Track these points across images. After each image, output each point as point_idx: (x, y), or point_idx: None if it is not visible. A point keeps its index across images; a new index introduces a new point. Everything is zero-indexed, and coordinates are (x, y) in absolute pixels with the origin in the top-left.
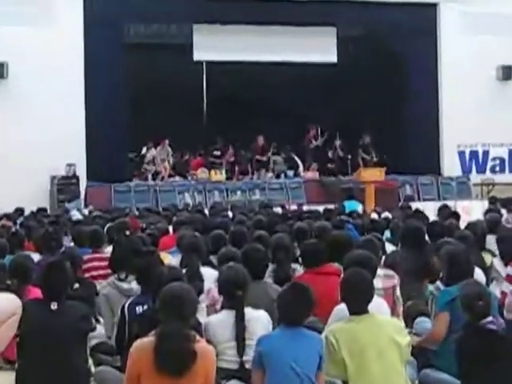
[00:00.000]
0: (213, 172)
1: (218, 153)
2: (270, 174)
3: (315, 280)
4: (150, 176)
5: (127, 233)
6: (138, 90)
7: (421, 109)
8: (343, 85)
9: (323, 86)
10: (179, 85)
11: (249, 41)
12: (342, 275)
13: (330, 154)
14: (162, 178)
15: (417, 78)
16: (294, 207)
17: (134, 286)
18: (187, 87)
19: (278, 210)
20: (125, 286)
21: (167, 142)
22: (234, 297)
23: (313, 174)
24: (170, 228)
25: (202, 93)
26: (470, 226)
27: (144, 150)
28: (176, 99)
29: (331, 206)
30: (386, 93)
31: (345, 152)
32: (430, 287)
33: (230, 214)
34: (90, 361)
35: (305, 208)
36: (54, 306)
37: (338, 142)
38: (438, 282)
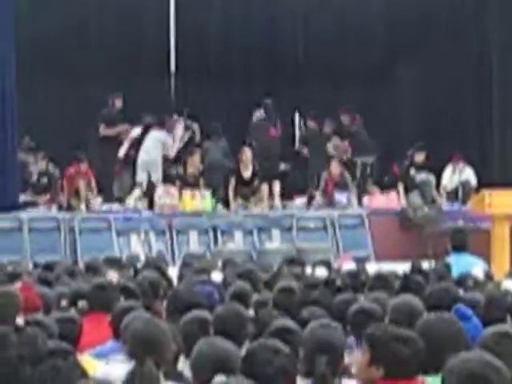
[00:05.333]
0: (187, 194)
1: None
2: (300, 199)
3: None
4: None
5: (18, 320)
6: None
7: None
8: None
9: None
10: (123, 23)
11: None
12: None
13: (416, 156)
14: (87, 206)
15: None
16: (348, 266)
17: None
18: (139, 25)
19: (319, 272)
20: None
21: None
22: None
23: (387, 200)
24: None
25: (166, 36)
26: None
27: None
28: (119, 51)
29: (423, 266)
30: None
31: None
32: None
33: (220, 277)
34: None
35: (371, 269)
36: None
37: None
38: None
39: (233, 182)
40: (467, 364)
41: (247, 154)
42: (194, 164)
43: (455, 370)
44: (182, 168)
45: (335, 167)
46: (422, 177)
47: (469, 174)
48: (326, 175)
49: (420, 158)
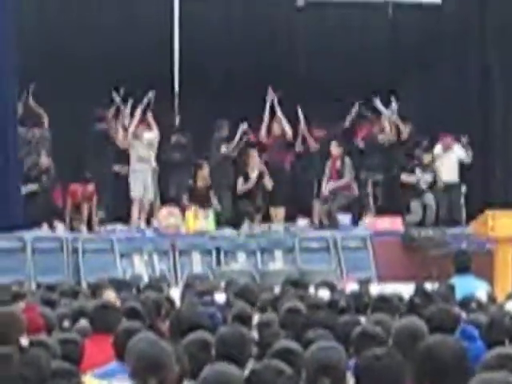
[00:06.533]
0: (190, 214)
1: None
2: (304, 221)
3: None
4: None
5: (22, 339)
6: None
7: None
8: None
9: (403, 46)
10: (126, 35)
11: None
12: None
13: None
14: (90, 226)
15: None
16: (351, 287)
17: None
18: (143, 39)
19: (322, 293)
20: None
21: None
22: None
23: (390, 221)
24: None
25: (170, 51)
26: None
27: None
28: (122, 62)
29: (426, 287)
30: None
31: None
32: None
33: (222, 298)
34: None
35: (374, 290)
36: None
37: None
38: None
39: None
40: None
41: (253, 156)
42: (204, 177)
43: None
44: (192, 181)
45: (334, 147)
46: (428, 198)
47: (457, 153)
48: (329, 164)
49: (427, 158)
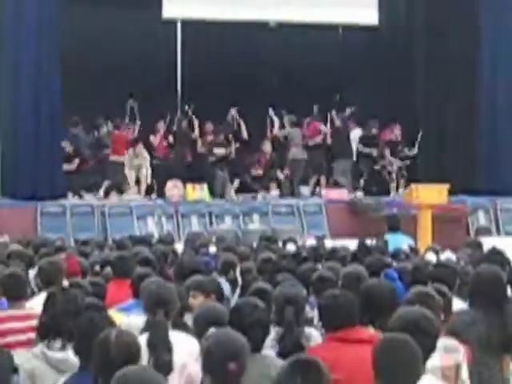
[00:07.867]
0: (189, 187)
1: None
2: (274, 192)
3: (340, 351)
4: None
5: (64, 282)
6: (82, 60)
7: (507, 97)
8: (383, 57)
9: (351, 59)
10: (142, 54)
11: None
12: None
13: (363, 164)
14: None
15: (502, 48)
16: (310, 242)
17: (70, 357)
18: (154, 57)
19: (289, 247)
20: (58, 355)
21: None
22: (225, 376)
23: (339, 192)
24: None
25: (174, 65)
26: None
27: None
28: (138, 75)
29: (366, 242)
30: (449, 73)
31: (388, 160)
32: None
33: (214, 250)
34: None
35: (327, 244)
36: None
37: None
38: None
39: None
40: (408, 314)
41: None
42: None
43: (401, 318)
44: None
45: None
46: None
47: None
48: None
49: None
